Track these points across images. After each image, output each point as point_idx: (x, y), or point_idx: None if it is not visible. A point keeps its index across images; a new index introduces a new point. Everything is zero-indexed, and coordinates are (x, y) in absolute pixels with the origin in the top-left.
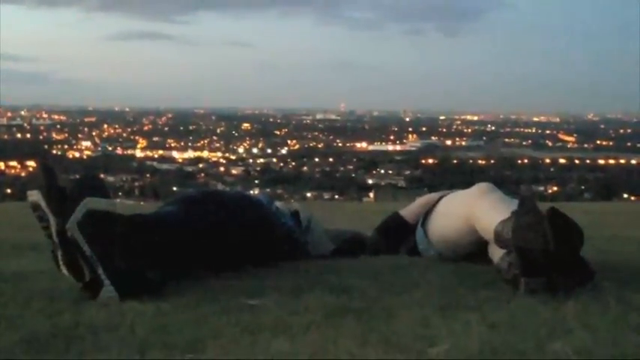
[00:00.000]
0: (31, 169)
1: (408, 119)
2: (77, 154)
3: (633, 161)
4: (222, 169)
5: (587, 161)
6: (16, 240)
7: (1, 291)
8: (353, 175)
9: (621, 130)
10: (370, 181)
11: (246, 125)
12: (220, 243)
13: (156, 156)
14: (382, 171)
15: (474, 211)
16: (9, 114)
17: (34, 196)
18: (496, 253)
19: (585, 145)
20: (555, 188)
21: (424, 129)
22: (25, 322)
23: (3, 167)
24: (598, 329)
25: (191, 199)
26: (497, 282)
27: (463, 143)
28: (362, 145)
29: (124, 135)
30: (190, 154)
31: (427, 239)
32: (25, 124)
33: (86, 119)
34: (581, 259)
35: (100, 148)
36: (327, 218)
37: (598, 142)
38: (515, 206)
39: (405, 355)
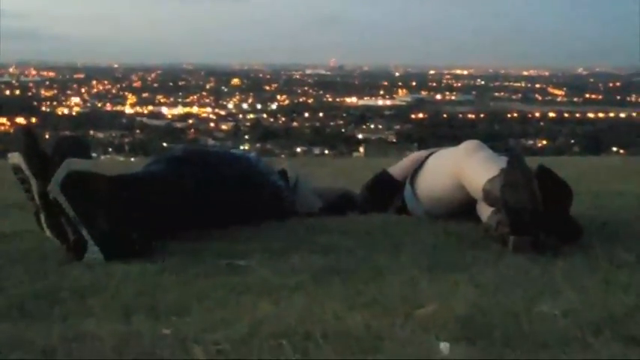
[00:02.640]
0: (20, 126)
1: (397, 74)
2: (66, 111)
3: (622, 115)
4: (212, 124)
5: (577, 115)
6: (1, 199)
7: None
8: (343, 130)
9: (610, 84)
10: (360, 136)
11: (235, 81)
12: (206, 202)
13: (145, 112)
14: (372, 126)
15: (462, 168)
16: None
17: (15, 158)
18: (484, 211)
19: (575, 99)
20: (545, 142)
21: (414, 83)
22: (7, 285)
23: None
24: (587, 290)
25: (176, 157)
26: (486, 241)
27: (453, 98)
28: (352, 100)
29: (113, 91)
30: (180, 110)
31: (415, 197)
32: (14, 81)
33: (75, 76)
34: (570, 217)
35: (89, 105)
36: (317, 174)
37: (587, 95)
38: (504, 164)
39: (392, 318)
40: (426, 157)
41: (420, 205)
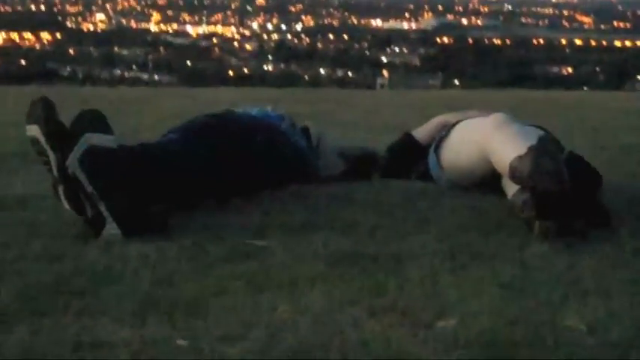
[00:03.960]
0: (45, 41)
1: None
2: (91, 27)
3: None
4: (235, 44)
5: (604, 43)
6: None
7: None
8: (367, 52)
9: (639, 12)
10: (384, 59)
11: (260, 0)
12: (227, 171)
13: (170, 30)
14: (396, 49)
15: (489, 142)
16: None
17: (33, 131)
18: (510, 187)
19: (602, 27)
20: (570, 70)
21: (440, 7)
22: (24, 269)
23: (17, 39)
24: (613, 294)
25: (197, 126)
26: (510, 221)
27: (479, 22)
28: (377, 22)
29: (138, 8)
30: (204, 28)
31: (439, 166)
32: None
33: None
34: (598, 202)
35: (113, 22)
36: (339, 113)
37: (615, 23)
38: (533, 140)
39: (413, 329)
40: (452, 125)
41: (444, 174)
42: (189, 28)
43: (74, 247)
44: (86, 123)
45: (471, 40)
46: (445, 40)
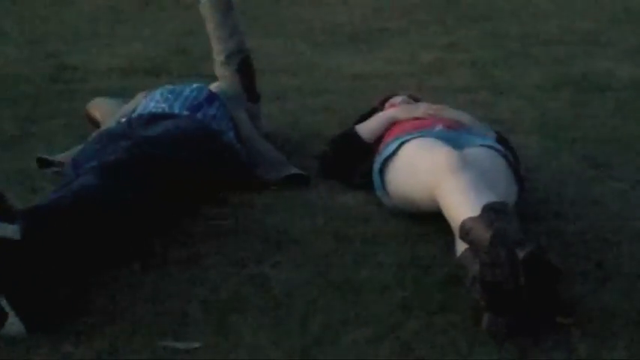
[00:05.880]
0: None
1: None
2: None
3: None
4: None
5: None
6: None
7: None
8: None
9: None
10: None
11: None
12: (155, 200)
13: None
14: None
15: (441, 189)
16: None
17: None
18: (460, 241)
19: None
20: None
21: None
22: None
23: None
24: None
25: (115, 163)
26: (455, 298)
27: None
28: None
29: None
30: None
31: (385, 190)
32: None
33: None
34: (556, 297)
35: None
36: None
37: None
38: (490, 195)
39: None
40: (400, 144)
41: (389, 199)
42: None
43: None
44: None
45: None
46: None
